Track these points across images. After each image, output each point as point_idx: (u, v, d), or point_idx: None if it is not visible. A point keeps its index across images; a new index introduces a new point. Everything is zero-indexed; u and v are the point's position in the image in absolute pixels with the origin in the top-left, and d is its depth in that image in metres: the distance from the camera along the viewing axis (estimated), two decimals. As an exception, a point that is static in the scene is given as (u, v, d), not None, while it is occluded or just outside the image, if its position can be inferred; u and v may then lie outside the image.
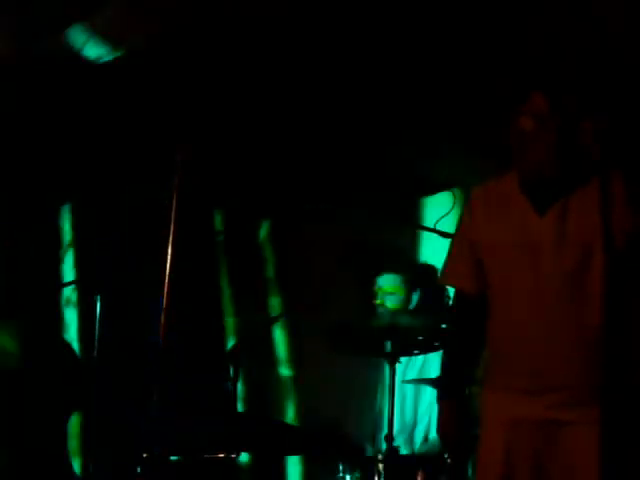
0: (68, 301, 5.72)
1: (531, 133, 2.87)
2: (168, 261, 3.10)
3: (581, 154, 2.87)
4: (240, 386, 4.89)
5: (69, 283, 5.74)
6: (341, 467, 4.13)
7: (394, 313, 4.59)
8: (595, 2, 4.38)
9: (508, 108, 2.94)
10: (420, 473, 4.00)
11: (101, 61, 4.64)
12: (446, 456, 3.88)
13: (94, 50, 4.56)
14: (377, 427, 4.53)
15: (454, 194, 4.41)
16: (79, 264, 5.71)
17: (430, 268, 4.67)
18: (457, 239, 3.16)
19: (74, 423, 4.56)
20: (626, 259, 2.79)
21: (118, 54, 4.59)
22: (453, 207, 4.24)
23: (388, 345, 4.11)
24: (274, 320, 5.94)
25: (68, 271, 5.76)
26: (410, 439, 4.64)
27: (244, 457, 5.64)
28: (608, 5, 4.35)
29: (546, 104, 2.87)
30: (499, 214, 3.01)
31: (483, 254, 3.03)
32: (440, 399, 3.21)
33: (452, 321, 3.27)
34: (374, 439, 4.57)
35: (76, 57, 4.60)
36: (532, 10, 4.39)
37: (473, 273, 3.06)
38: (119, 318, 4.90)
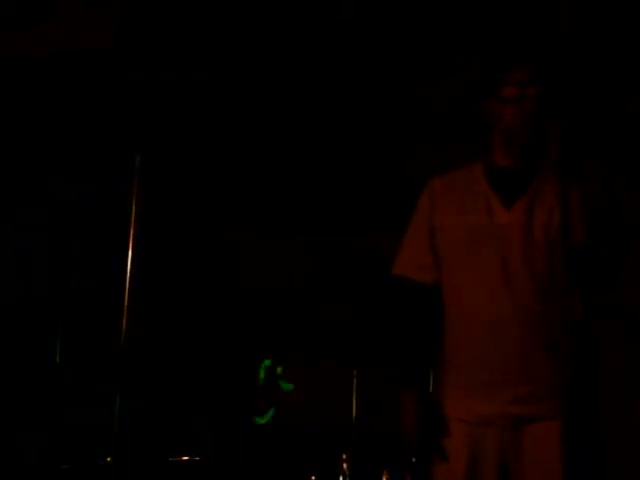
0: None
1: (511, 101, 2.92)
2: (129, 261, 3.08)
3: (544, 143, 2.90)
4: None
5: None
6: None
7: None
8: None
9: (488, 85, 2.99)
10: (385, 472, 3.98)
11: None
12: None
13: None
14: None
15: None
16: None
17: None
18: (414, 228, 3.07)
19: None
20: (585, 258, 2.76)
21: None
22: None
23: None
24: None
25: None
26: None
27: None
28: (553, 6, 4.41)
29: (526, 74, 2.94)
30: (464, 200, 2.96)
31: (444, 240, 2.97)
32: (400, 392, 3.03)
33: (406, 312, 3.04)
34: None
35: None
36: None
37: (431, 263, 2.99)
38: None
